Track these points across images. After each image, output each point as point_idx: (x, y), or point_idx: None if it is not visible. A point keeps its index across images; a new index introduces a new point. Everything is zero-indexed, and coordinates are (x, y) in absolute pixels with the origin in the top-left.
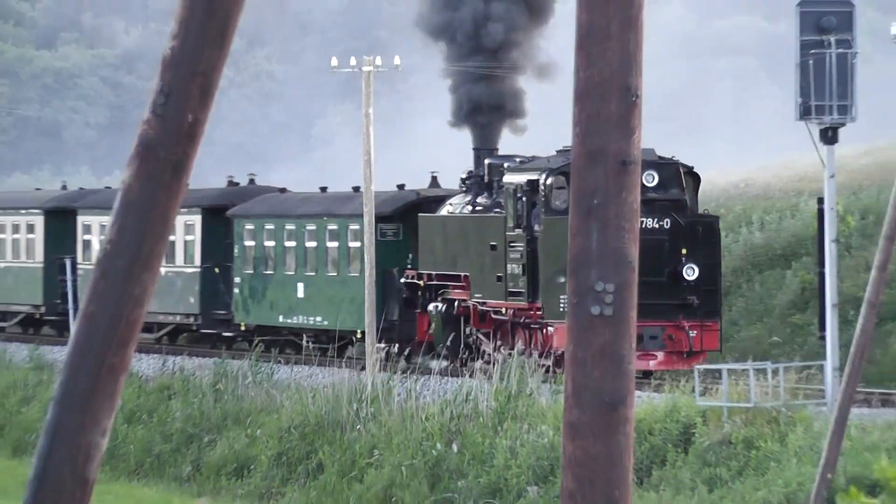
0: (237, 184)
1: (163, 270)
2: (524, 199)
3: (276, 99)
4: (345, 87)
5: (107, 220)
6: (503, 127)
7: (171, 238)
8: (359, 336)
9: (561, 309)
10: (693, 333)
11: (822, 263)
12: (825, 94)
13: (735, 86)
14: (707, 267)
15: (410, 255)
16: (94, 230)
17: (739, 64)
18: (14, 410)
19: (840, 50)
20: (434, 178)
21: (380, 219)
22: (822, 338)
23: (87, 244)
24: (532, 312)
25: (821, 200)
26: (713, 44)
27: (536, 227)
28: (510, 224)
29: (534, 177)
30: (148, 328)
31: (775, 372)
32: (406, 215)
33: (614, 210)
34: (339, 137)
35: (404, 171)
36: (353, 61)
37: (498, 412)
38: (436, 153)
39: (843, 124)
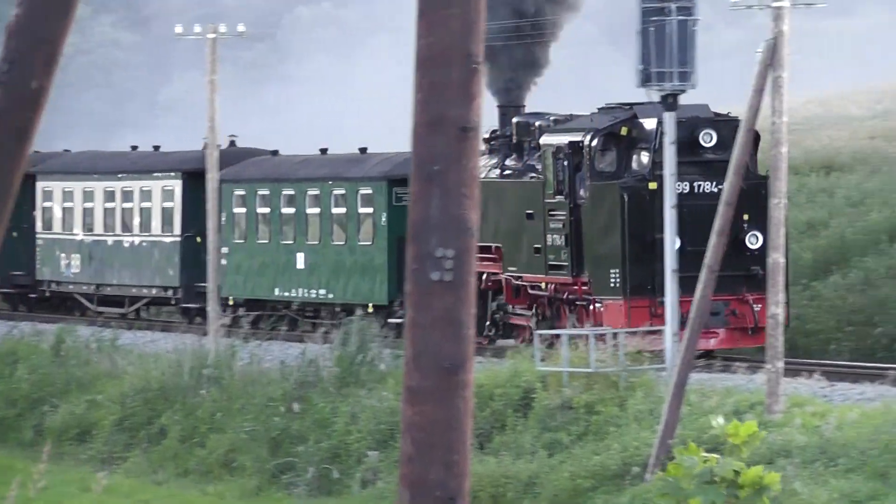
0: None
1: (136, 240)
2: (566, 162)
3: (121, 66)
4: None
5: (71, 185)
6: (531, 82)
7: (147, 205)
8: (371, 309)
9: (612, 285)
10: (758, 307)
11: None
12: (666, 61)
13: (576, 52)
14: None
15: None
16: (55, 197)
17: (581, 30)
18: None
19: (681, 17)
20: None
21: (394, 181)
22: (662, 303)
23: (47, 212)
24: (577, 287)
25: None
26: None
27: (581, 194)
28: (550, 190)
29: (577, 138)
30: (118, 302)
31: (615, 336)
32: None
33: (455, 177)
34: (182, 105)
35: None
36: (197, 28)
37: (340, 377)
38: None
39: (683, 91)
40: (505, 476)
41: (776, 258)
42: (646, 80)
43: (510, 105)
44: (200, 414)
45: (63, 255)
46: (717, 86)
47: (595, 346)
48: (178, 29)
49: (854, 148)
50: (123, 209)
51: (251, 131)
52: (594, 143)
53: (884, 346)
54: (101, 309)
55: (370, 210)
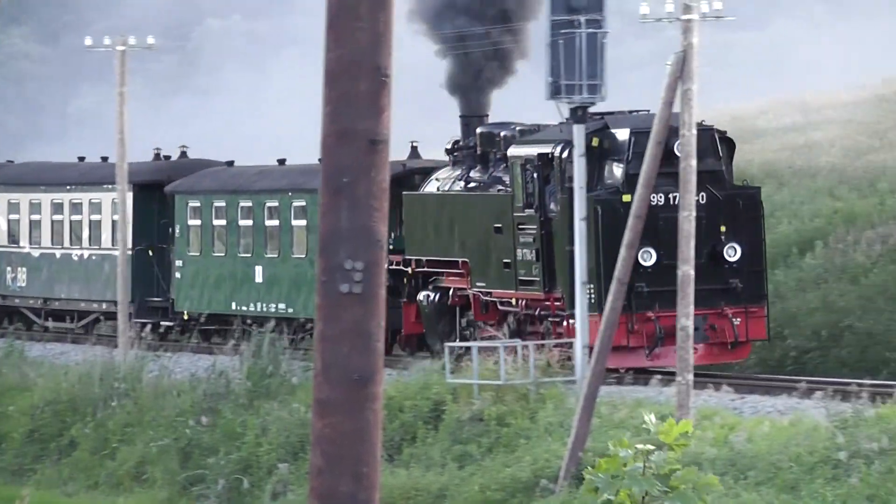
0: (168, 157)
1: (86, 253)
2: (536, 175)
3: (32, 78)
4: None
5: (17, 197)
6: (493, 90)
7: (97, 217)
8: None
9: (587, 300)
10: (737, 321)
11: (571, 241)
12: (575, 74)
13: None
14: (750, 245)
15: (393, 235)
16: (0, 209)
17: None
18: None
19: (590, 30)
20: (414, 149)
21: None
22: (572, 315)
23: None
24: (550, 303)
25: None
26: None
27: (552, 207)
28: (519, 204)
29: (546, 149)
30: (66, 316)
31: (526, 349)
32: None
33: (364, 189)
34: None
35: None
36: (107, 41)
37: (250, 390)
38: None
39: (592, 103)
40: (415, 488)
41: (686, 270)
42: (555, 92)
43: (473, 115)
44: (111, 426)
45: (9, 267)
46: (628, 98)
47: (507, 359)
48: (88, 41)
49: (763, 160)
50: (72, 221)
51: (161, 142)
52: (565, 154)
53: (793, 358)
54: (48, 324)
55: (303, 222)
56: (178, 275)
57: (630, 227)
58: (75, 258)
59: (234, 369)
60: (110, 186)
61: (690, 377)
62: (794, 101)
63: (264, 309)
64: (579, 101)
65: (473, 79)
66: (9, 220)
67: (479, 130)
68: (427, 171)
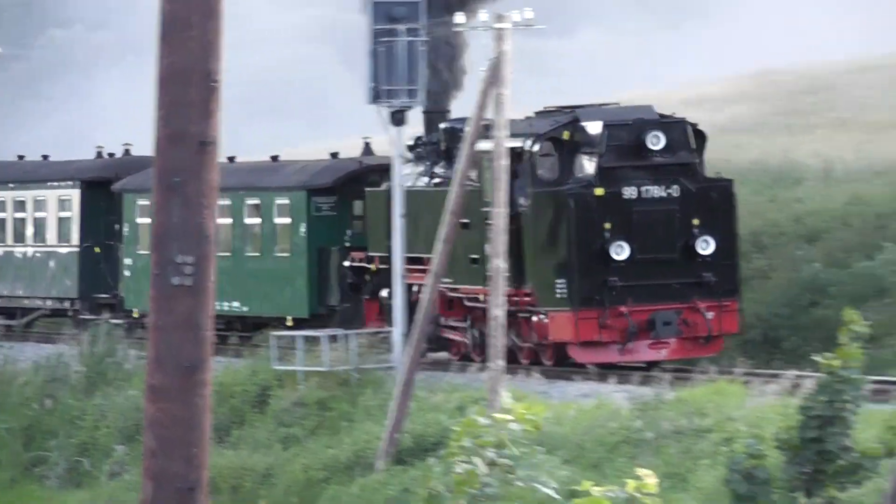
0: (112, 154)
1: (30, 251)
2: None
3: None
4: None
5: (21, 195)
6: (456, 87)
7: (42, 214)
8: (290, 323)
9: (559, 295)
10: (710, 315)
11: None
12: (395, 80)
13: (314, 72)
14: (723, 238)
15: (349, 232)
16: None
17: (318, 52)
18: None
19: (409, 38)
20: (367, 145)
21: (314, 191)
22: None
23: None
24: (520, 299)
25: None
26: (294, 34)
27: (522, 202)
28: (487, 198)
29: (516, 143)
30: (10, 314)
31: (347, 338)
32: (345, 187)
33: (194, 188)
34: None
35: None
36: None
37: (88, 377)
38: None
39: (410, 107)
40: (243, 468)
41: (498, 263)
42: (376, 97)
43: (436, 111)
44: None
45: None
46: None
47: (331, 347)
48: None
49: None
50: (15, 219)
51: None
52: (535, 148)
53: None
54: None
55: (288, 220)
56: (126, 273)
57: (446, 222)
58: (18, 256)
59: (74, 357)
60: (57, 184)
61: (502, 363)
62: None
63: (217, 307)
64: (399, 105)
65: (435, 76)
66: None
67: (442, 126)
68: (385, 168)
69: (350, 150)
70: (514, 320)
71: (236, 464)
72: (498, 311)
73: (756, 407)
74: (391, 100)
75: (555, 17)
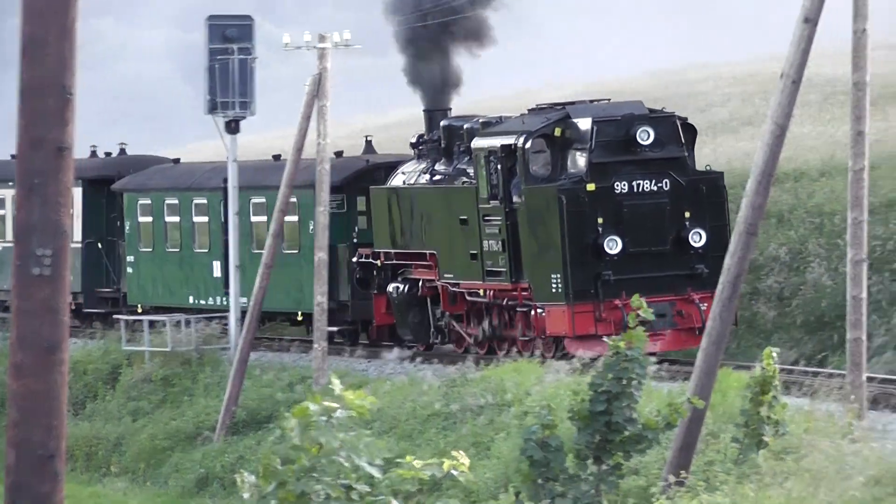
0: (109, 153)
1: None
2: (499, 166)
3: None
4: None
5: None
6: (457, 86)
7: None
8: (299, 318)
9: (554, 290)
10: (704, 306)
11: (226, 232)
12: (229, 93)
13: (157, 87)
14: (714, 230)
15: (357, 229)
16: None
17: (162, 69)
18: None
19: (241, 56)
20: (369, 143)
21: None
22: (227, 293)
23: None
24: (517, 293)
25: (225, 181)
26: (139, 53)
27: (516, 198)
28: (484, 195)
29: (509, 141)
30: (4, 307)
31: (189, 322)
32: (352, 185)
33: (53, 188)
34: None
35: None
36: None
37: None
38: None
39: (244, 117)
40: (96, 437)
41: (321, 256)
42: (213, 108)
43: (436, 109)
44: None
45: None
46: (275, 113)
47: (176, 329)
48: None
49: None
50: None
51: None
52: (527, 145)
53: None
54: None
55: (295, 218)
56: (129, 270)
57: (274, 219)
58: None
59: None
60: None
61: (325, 344)
62: (411, 121)
63: (223, 303)
64: (233, 115)
65: (434, 74)
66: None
67: (442, 124)
68: (391, 166)
69: (190, 155)
70: (514, 314)
71: (90, 434)
72: (320, 298)
73: (551, 383)
74: (226, 111)
75: (370, 38)
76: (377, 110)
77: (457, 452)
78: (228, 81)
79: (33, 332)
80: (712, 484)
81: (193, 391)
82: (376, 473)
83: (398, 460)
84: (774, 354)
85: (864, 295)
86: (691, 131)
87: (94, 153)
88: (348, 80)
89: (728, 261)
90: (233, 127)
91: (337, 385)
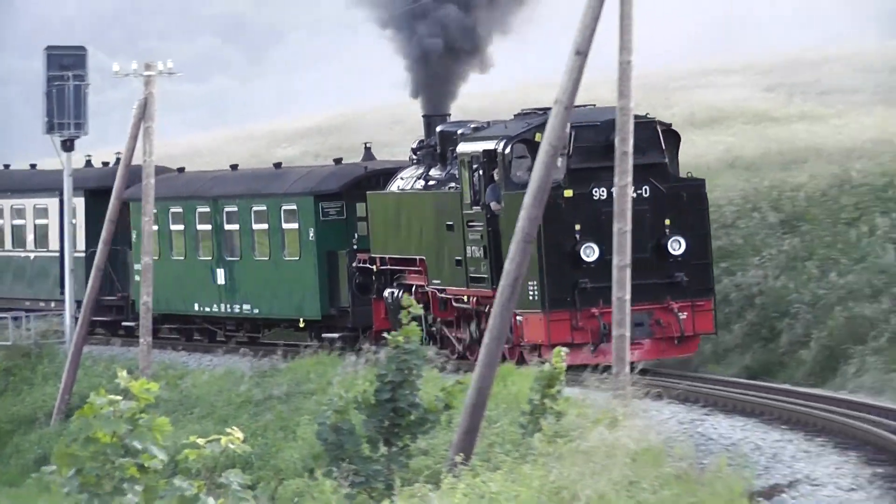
0: (107, 163)
1: (32, 255)
2: (481, 171)
3: None
4: None
5: (19, 203)
6: (456, 90)
7: (43, 222)
8: (302, 325)
9: (531, 297)
10: (683, 315)
11: (62, 240)
12: (65, 115)
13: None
14: (695, 238)
15: (357, 235)
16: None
17: (8, 92)
18: None
19: (76, 82)
20: (368, 150)
21: (322, 196)
22: (63, 293)
23: None
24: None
25: (61, 192)
26: None
27: (494, 204)
28: (467, 200)
29: (490, 146)
30: (13, 316)
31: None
32: (351, 192)
33: None
34: None
35: None
36: None
37: None
38: None
39: (78, 136)
40: None
41: (147, 260)
42: (50, 128)
43: (435, 114)
44: None
45: None
46: (107, 132)
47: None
48: None
49: None
50: (14, 226)
51: None
52: (508, 150)
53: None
54: None
55: (295, 225)
56: (137, 277)
57: (105, 224)
58: (19, 260)
59: None
60: (60, 192)
61: (150, 339)
62: (242, 135)
63: (227, 310)
64: (68, 134)
65: (433, 80)
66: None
67: (438, 129)
68: (390, 172)
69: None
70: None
71: None
72: (146, 297)
73: (348, 373)
74: (62, 131)
75: (190, 66)
76: (199, 130)
77: (232, 429)
78: (64, 105)
79: None
80: (493, 463)
81: (33, 381)
82: (160, 455)
83: (184, 442)
84: (563, 354)
85: (628, 297)
86: (674, 137)
87: (89, 163)
88: (171, 104)
89: (508, 266)
90: (68, 145)
91: (123, 377)
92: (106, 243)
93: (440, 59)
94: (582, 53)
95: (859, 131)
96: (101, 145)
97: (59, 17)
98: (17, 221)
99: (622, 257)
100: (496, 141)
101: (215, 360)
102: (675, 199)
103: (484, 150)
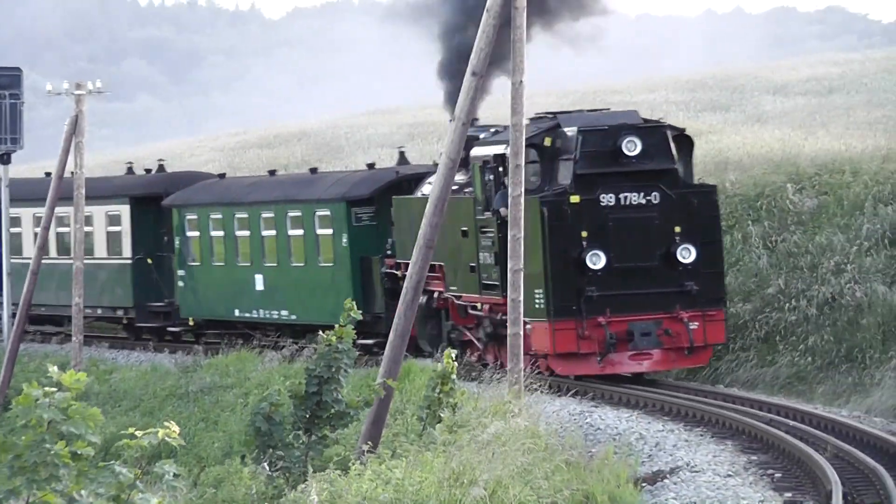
0: (149, 170)
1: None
2: (492, 176)
3: None
4: None
5: (41, 212)
6: (484, 93)
7: (89, 229)
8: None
9: (537, 305)
10: (694, 325)
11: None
12: (2, 130)
13: None
14: (706, 246)
15: (390, 241)
16: (24, 223)
17: None
18: None
19: (12, 101)
20: (402, 155)
21: (354, 202)
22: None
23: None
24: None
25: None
26: None
27: (503, 210)
28: (480, 206)
29: (500, 150)
30: (57, 322)
31: None
32: (383, 197)
33: None
34: None
35: None
36: None
37: None
38: None
39: (14, 150)
40: None
41: (77, 264)
42: None
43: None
44: None
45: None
46: (42, 147)
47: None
48: None
49: None
50: (58, 234)
51: None
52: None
53: None
54: (35, 328)
55: (329, 231)
56: (180, 283)
57: (39, 235)
58: (64, 267)
59: None
60: (106, 200)
61: (81, 337)
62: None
63: (266, 315)
64: (5, 149)
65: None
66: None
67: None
68: (420, 177)
69: None
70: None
71: None
72: (77, 299)
73: (265, 370)
74: (1, 146)
75: (118, 86)
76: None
77: (168, 423)
78: (1, 121)
79: None
80: (398, 452)
81: None
82: (93, 439)
83: (122, 432)
84: (453, 355)
85: (521, 298)
86: (687, 143)
87: (130, 170)
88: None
89: (410, 270)
90: (4, 158)
91: (53, 371)
92: (40, 248)
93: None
94: (477, 74)
95: (733, 146)
96: (35, 159)
97: None
98: (62, 229)
99: (515, 262)
100: (506, 145)
101: (141, 356)
102: (686, 205)
103: (494, 155)
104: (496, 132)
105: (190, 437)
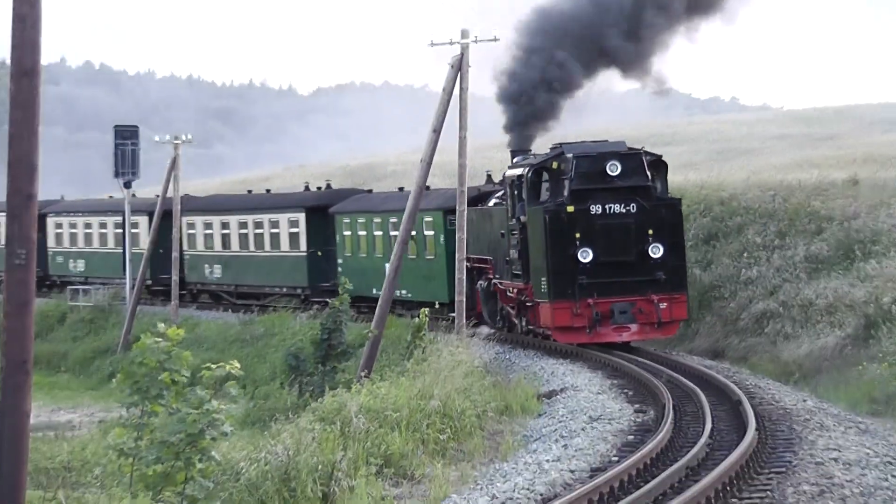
0: (320, 187)
1: (270, 254)
2: (516, 192)
3: None
4: None
5: (210, 219)
6: (537, 132)
7: (276, 231)
8: (437, 306)
9: (542, 290)
10: (663, 306)
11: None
12: (126, 166)
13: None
14: (672, 245)
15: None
16: (197, 227)
17: (87, 154)
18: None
19: (133, 147)
20: (489, 176)
21: (448, 211)
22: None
23: (191, 237)
24: (528, 292)
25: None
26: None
27: (521, 217)
28: (509, 214)
29: (520, 172)
30: (256, 296)
31: (100, 288)
32: (469, 208)
33: (26, 217)
34: None
35: None
36: None
37: None
38: None
39: (133, 180)
40: (53, 352)
41: (175, 255)
42: (116, 174)
43: (519, 150)
44: None
45: (206, 264)
46: (152, 178)
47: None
48: None
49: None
50: (255, 234)
51: None
52: (530, 175)
53: None
54: (238, 302)
55: (432, 233)
56: (340, 269)
57: (152, 234)
58: (260, 257)
59: None
60: (286, 209)
61: (177, 302)
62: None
63: (395, 294)
64: (127, 179)
65: (523, 120)
66: (204, 234)
67: (515, 160)
68: (493, 193)
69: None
70: (525, 307)
71: (49, 350)
72: (176, 277)
73: (302, 324)
74: (124, 176)
75: (201, 139)
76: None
77: (232, 361)
78: (126, 160)
79: (13, 294)
80: (384, 378)
81: (106, 326)
82: (185, 373)
83: (203, 366)
84: (426, 311)
85: (463, 277)
86: (662, 165)
87: (306, 187)
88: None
89: (392, 258)
90: (127, 185)
91: (161, 325)
92: (154, 243)
93: (527, 105)
94: (437, 131)
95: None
96: (146, 185)
97: (121, 109)
98: (257, 231)
99: (461, 254)
100: (524, 168)
101: (217, 314)
102: (657, 213)
103: (517, 175)
104: (525, 158)
105: (249, 368)
